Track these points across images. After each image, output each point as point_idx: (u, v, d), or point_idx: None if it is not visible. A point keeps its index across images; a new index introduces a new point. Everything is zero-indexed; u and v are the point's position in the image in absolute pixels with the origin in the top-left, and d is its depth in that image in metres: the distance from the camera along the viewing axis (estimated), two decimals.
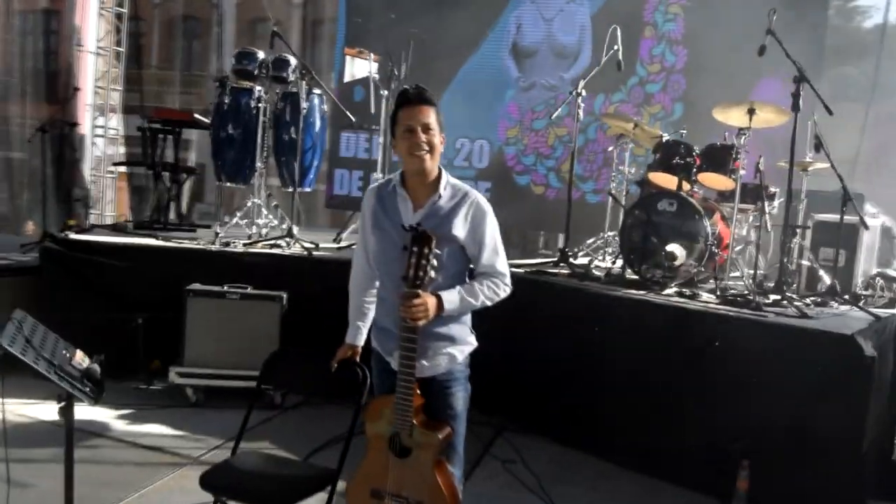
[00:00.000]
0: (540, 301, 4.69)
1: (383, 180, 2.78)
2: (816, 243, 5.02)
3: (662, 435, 4.04)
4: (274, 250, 5.26)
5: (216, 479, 2.69)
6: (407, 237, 2.51)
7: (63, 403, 2.75)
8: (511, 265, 4.89)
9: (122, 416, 4.41)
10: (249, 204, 5.54)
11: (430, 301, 2.47)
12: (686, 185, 4.95)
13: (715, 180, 4.98)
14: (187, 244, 5.28)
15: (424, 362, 2.60)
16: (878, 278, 4.94)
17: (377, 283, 2.83)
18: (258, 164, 5.50)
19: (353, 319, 2.87)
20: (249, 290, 4.74)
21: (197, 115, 5.86)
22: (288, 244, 5.33)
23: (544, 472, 4.06)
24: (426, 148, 2.54)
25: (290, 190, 5.51)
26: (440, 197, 2.60)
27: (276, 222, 5.70)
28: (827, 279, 4.82)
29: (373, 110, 5.78)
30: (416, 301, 2.42)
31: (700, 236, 4.63)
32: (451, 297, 2.55)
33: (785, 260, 4.52)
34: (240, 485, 2.67)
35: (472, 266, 2.70)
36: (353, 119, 5.43)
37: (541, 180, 8.46)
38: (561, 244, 7.76)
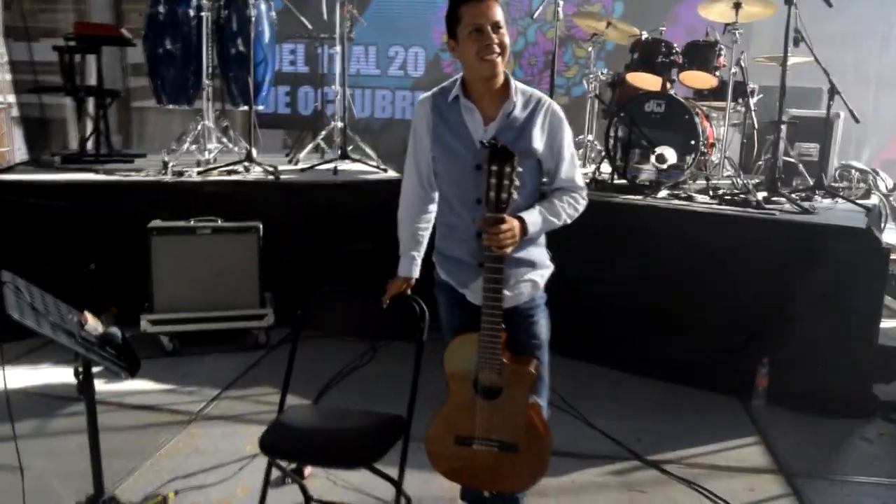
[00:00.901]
0: None
1: (436, 90, 2.43)
2: (792, 138, 5.05)
3: (678, 340, 4.03)
4: (233, 177, 4.77)
5: (279, 441, 2.40)
6: (482, 154, 2.22)
7: (81, 377, 2.38)
8: None
9: (95, 376, 3.93)
10: (200, 127, 4.97)
11: (516, 225, 2.22)
12: (668, 85, 4.82)
13: (698, 79, 4.86)
14: (135, 177, 4.69)
15: (506, 292, 2.34)
16: (853, 170, 5.04)
17: (431, 207, 2.54)
18: (205, 82, 4.90)
19: (407, 249, 2.57)
20: (221, 223, 4.29)
21: (124, 30, 5.12)
22: (247, 169, 4.85)
23: (563, 387, 3.95)
24: (498, 50, 2.23)
25: (242, 108, 4.97)
26: (514, 106, 2.31)
27: (230, 146, 5.16)
28: (806, 174, 4.88)
29: (325, 16, 5.24)
30: (503, 227, 2.16)
31: (691, 137, 4.53)
32: (533, 219, 2.30)
33: (774, 156, 4.49)
34: (311, 446, 2.40)
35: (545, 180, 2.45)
36: (310, 27, 4.88)
37: None
38: None
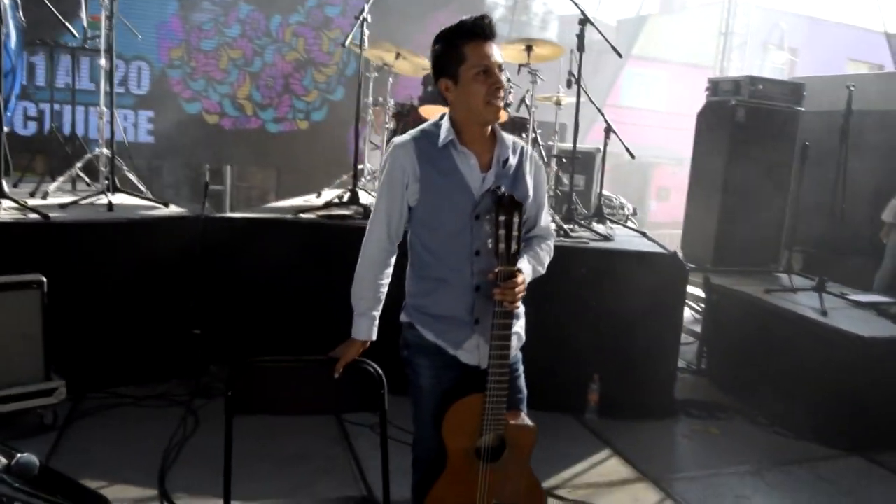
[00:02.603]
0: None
1: (415, 133, 2.22)
2: (562, 170, 5.57)
3: None
4: None
5: None
6: (484, 204, 2.12)
7: None
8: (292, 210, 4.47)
9: None
10: None
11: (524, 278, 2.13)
12: None
13: None
14: None
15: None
16: (612, 199, 5.73)
17: (392, 261, 2.31)
18: None
19: (368, 308, 2.28)
20: None
21: None
22: None
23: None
24: (503, 94, 2.12)
25: None
26: (508, 152, 2.21)
27: None
28: (579, 204, 5.42)
29: (85, 23, 4.39)
30: (518, 280, 2.06)
31: None
32: (527, 270, 2.22)
33: (570, 188, 4.91)
34: None
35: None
36: (77, 35, 4.03)
37: (214, 108, 7.57)
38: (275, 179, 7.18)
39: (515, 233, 2.06)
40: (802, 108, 5.45)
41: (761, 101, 5.30)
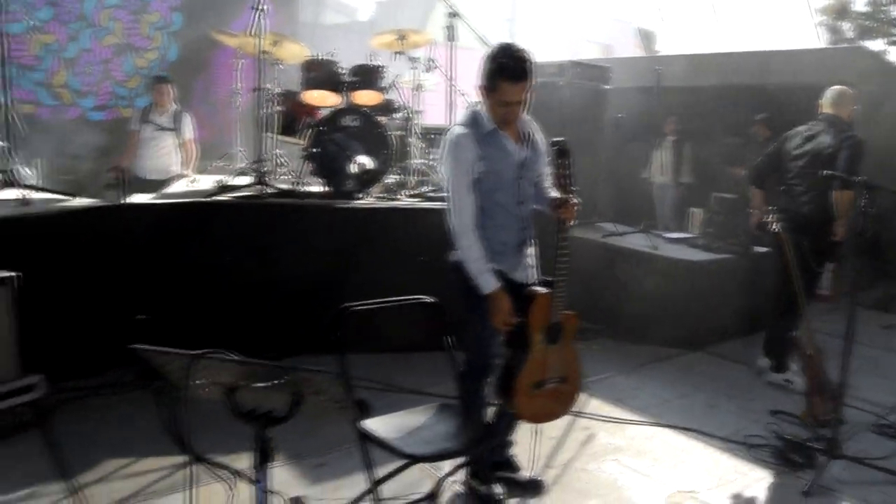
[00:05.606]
0: (289, 225, 4.64)
1: (466, 125, 2.84)
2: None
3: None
4: None
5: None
6: (524, 168, 2.87)
7: None
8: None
9: None
10: None
11: None
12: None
13: (367, 97, 5.56)
14: None
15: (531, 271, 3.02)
16: None
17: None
18: None
19: (486, 262, 2.82)
20: None
21: None
22: None
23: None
24: (512, 120, 2.84)
25: None
26: (529, 127, 2.94)
27: None
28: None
29: None
30: (575, 202, 2.77)
31: (385, 146, 5.27)
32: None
33: None
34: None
35: None
36: None
37: (28, 97, 7.05)
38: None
39: (571, 171, 2.76)
40: (609, 87, 6.67)
41: (581, 82, 6.40)
